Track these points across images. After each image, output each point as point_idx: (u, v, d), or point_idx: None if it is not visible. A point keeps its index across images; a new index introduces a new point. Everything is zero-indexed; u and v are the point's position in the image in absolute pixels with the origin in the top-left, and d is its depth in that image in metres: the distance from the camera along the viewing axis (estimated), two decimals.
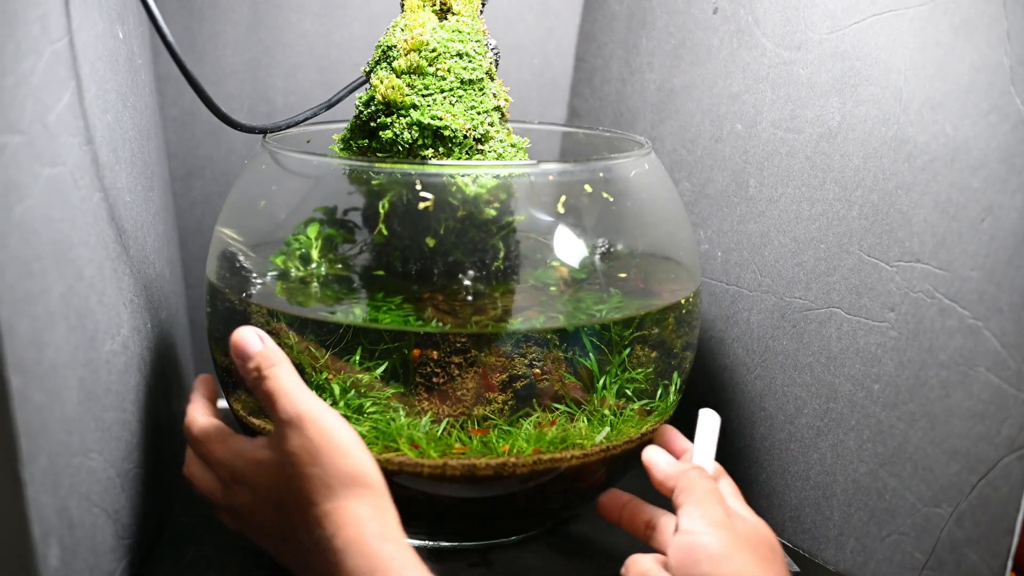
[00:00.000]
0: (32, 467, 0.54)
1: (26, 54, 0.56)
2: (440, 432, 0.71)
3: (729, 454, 0.88)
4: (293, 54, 1.07)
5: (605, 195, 0.77)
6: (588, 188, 0.76)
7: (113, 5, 0.78)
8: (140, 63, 0.89)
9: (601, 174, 0.78)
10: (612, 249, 0.79)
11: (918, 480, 0.72)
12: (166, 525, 0.81)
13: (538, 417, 0.72)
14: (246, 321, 0.75)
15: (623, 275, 0.80)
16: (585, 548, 0.81)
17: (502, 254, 0.75)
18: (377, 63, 0.78)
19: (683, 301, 0.79)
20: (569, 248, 0.77)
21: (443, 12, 0.78)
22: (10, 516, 0.53)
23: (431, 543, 0.80)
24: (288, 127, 0.83)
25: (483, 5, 0.80)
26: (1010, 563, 0.67)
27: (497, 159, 0.76)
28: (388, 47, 0.77)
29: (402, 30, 0.77)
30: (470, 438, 0.71)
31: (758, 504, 0.85)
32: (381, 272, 0.77)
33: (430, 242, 0.72)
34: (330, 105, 0.84)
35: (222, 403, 0.95)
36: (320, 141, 0.86)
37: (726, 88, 0.89)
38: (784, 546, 0.82)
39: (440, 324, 0.72)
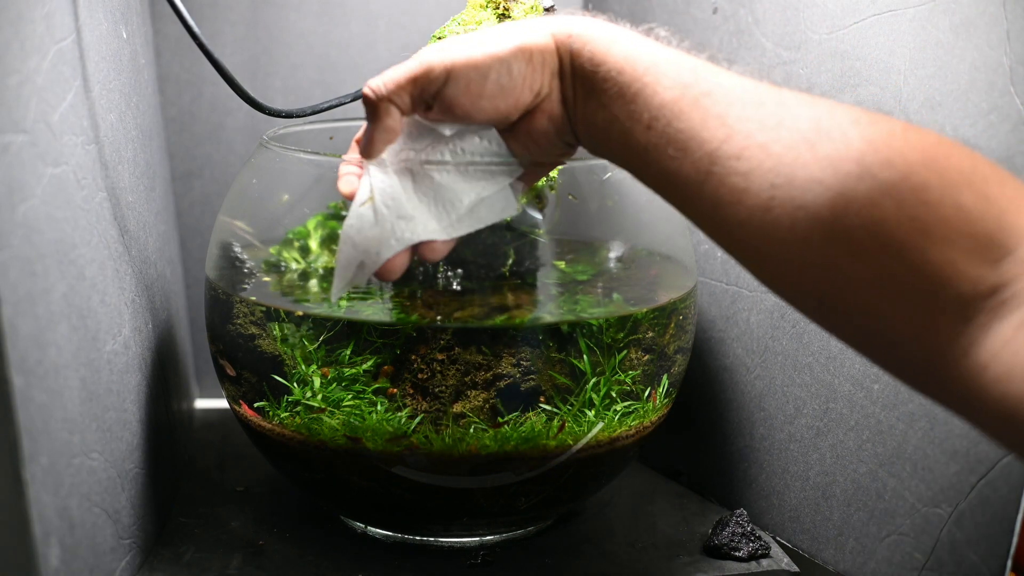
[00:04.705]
0: (33, 467, 0.54)
1: (31, 53, 0.56)
2: (412, 428, 0.71)
3: (729, 454, 0.88)
4: (292, 54, 1.07)
5: (571, 197, 0.77)
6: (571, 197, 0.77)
7: (117, 5, 0.78)
8: (143, 63, 0.89)
9: (603, 173, 0.78)
10: (623, 254, 0.80)
11: (918, 480, 0.72)
12: (166, 525, 0.81)
13: (517, 416, 0.72)
14: (242, 314, 0.75)
15: (622, 276, 0.80)
16: (584, 548, 0.81)
17: (507, 253, 0.76)
18: None
19: (679, 303, 0.79)
20: (564, 248, 0.78)
21: (503, 17, 0.78)
22: (11, 516, 0.53)
23: (431, 539, 0.80)
24: (312, 113, 0.83)
25: (553, 10, 0.80)
26: (1010, 563, 0.67)
27: None
28: (439, 37, 0.78)
29: (458, 24, 0.77)
30: (437, 434, 0.72)
31: (758, 504, 0.86)
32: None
33: None
34: (356, 96, 0.84)
35: (222, 403, 0.95)
36: (341, 137, 0.87)
37: None
38: (784, 546, 0.83)
39: (422, 319, 0.72)
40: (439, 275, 0.74)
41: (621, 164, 0.60)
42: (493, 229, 0.75)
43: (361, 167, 0.66)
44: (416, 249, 0.65)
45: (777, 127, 0.53)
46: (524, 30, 0.60)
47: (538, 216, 0.77)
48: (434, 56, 0.60)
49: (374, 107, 0.62)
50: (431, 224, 0.65)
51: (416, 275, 0.75)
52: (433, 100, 0.61)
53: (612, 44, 0.58)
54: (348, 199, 0.66)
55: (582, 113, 0.60)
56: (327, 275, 0.77)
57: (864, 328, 0.51)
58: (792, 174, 0.51)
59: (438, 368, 0.71)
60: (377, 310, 0.75)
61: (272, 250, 0.79)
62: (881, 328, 0.50)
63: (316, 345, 0.72)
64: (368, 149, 0.64)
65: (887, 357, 0.52)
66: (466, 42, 0.60)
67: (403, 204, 0.64)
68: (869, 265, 0.49)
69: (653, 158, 0.56)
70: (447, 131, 0.64)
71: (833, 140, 0.51)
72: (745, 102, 0.54)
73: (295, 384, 0.74)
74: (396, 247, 0.64)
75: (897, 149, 0.50)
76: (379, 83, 0.62)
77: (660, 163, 0.56)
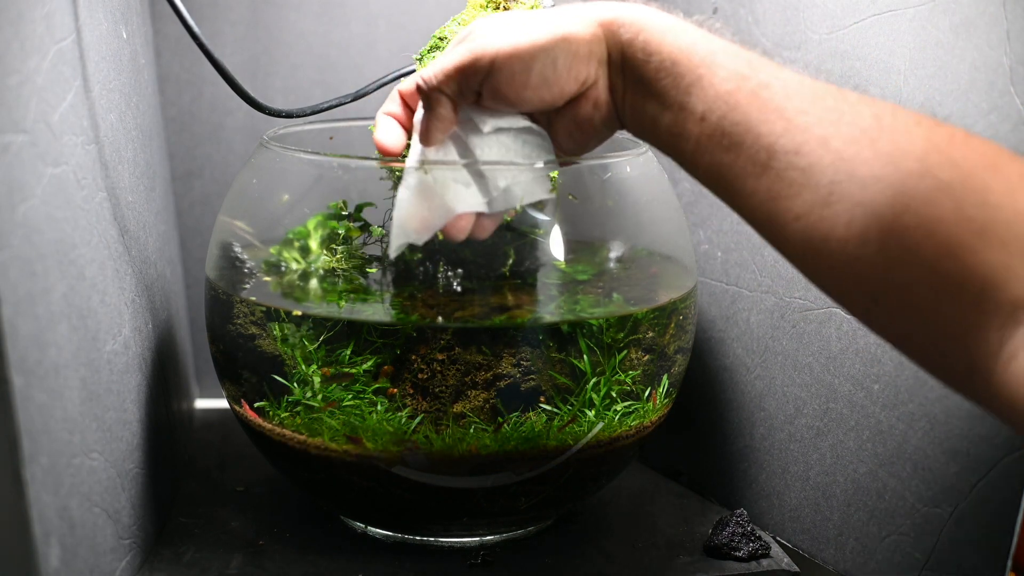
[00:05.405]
0: (33, 467, 0.54)
1: (31, 53, 0.56)
2: (412, 428, 0.71)
3: (729, 454, 0.88)
4: (292, 54, 1.07)
5: (571, 197, 0.77)
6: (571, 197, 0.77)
7: (117, 5, 0.78)
8: (143, 63, 0.89)
9: (598, 174, 0.78)
10: (623, 254, 0.80)
11: (918, 480, 0.72)
12: (166, 525, 0.81)
13: (517, 416, 0.72)
14: (242, 314, 0.75)
15: (622, 276, 0.80)
16: (584, 548, 0.81)
17: (507, 253, 0.76)
18: (429, 51, 0.78)
19: (679, 303, 0.79)
20: (564, 247, 0.78)
21: None
22: (11, 516, 0.53)
23: (431, 539, 0.80)
24: (312, 113, 0.83)
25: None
26: (1010, 563, 0.67)
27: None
28: (441, 37, 0.78)
29: (458, 24, 0.77)
30: (437, 434, 0.72)
31: (758, 504, 0.86)
32: (373, 270, 0.77)
33: (440, 234, 0.72)
34: (357, 96, 0.84)
35: (222, 403, 0.95)
36: (341, 137, 0.86)
37: None
38: (784, 546, 0.83)
39: (422, 319, 0.72)
40: (439, 275, 0.74)
41: (669, 154, 0.59)
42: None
43: (397, 118, 0.69)
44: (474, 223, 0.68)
45: (837, 122, 0.52)
46: (568, 18, 0.60)
47: (544, 217, 0.77)
48: (482, 44, 0.60)
49: (426, 97, 0.64)
50: (480, 198, 0.68)
51: (416, 275, 0.75)
52: (480, 88, 0.61)
53: (666, 33, 0.57)
54: (382, 151, 0.69)
55: (631, 101, 0.60)
56: (327, 275, 0.77)
57: (913, 328, 0.51)
58: (852, 170, 0.51)
59: (438, 368, 0.71)
60: (377, 310, 0.75)
61: (272, 250, 0.79)
62: (931, 328, 0.50)
63: (316, 345, 0.72)
64: (424, 137, 0.66)
65: (933, 359, 0.52)
66: (513, 29, 0.60)
67: (460, 171, 0.67)
68: (924, 264, 0.49)
69: (705, 149, 0.56)
70: (486, 128, 0.66)
71: (895, 137, 0.50)
72: (803, 96, 0.53)
73: (295, 384, 0.74)
74: (457, 210, 0.67)
75: (960, 151, 0.50)
76: (429, 73, 0.63)
77: (712, 155, 0.55)
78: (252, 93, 0.80)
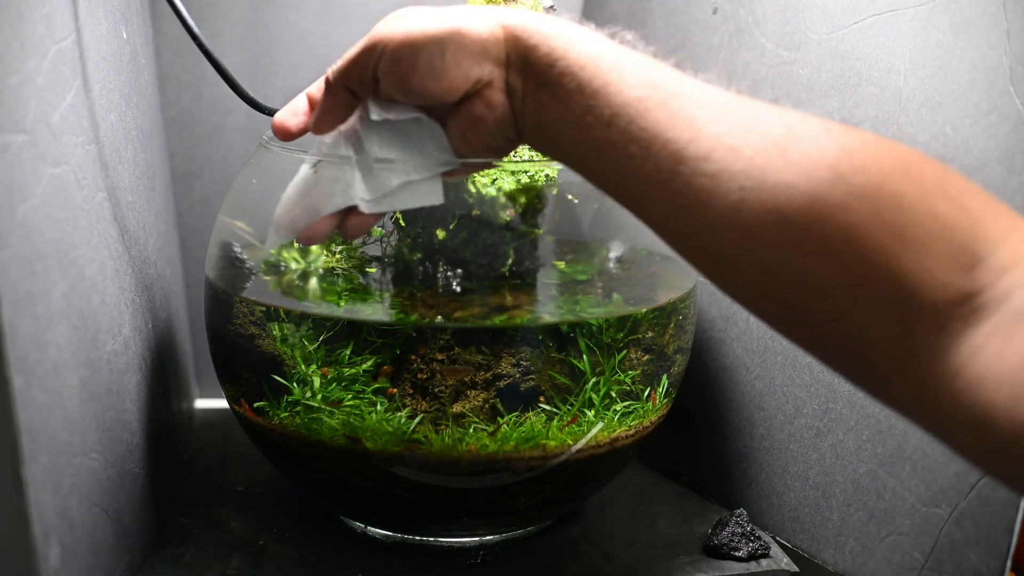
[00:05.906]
0: (33, 466, 0.54)
1: (31, 53, 0.56)
2: (412, 428, 0.71)
3: (729, 454, 0.88)
4: (293, 54, 1.07)
5: (571, 198, 0.77)
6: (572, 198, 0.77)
7: (117, 5, 0.78)
8: (143, 63, 0.89)
9: None
10: (623, 254, 0.80)
11: (917, 480, 0.72)
12: (166, 525, 0.81)
13: (517, 416, 0.72)
14: (242, 314, 0.75)
15: (622, 276, 0.80)
16: (583, 548, 0.81)
17: (506, 253, 0.76)
18: None
19: (679, 303, 0.79)
20: (565, 248, 0.78)
21: None
22: (11, 516, 0.53)
23: (431, 539, 0.80)
24: None
25: (553, 10, 0.79)
26: (1009, 563, 0.67)
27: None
28: None
29: None
30: (437, 434, 0.72)
31: (758, 504, 0.86)
32: (372, 270, 0.77)
33: (440, 234, 0.72)
34: None
35: (222, 403, 0.95)
36: None
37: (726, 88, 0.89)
38: (783, 546, 0.83)
39: (422, 319, 0.72)
40: (439, 275, 0.74)
41: (571, 162, 0.59)
42: (493, 229, 0.75)
43: (314, 103, 0.68)
44: (341, 223, 0.67)
45: (747, 131, 0.52)
46: (471, 16, 0.59)
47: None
48: (379, 32, 0.60)
49: (329, 88, 0.64)
50: (363, 195, 0.66)
51: (416, 275, 0.76)
52: (376, 75, 0.61)
53: (573, 41, 0.57)
54: (274, 128, 0.68)
55: (532, 107, 0.59)
56: (327, 275, 0.77)
57: (830, 334, 0.51)
58: (763, 177, 0.50)
59: (438, 368, 0.71)
60: (377, 310, 0.75)
61: (272, 250, 0.79)
62: (849, 334, 0.50)
63: (316, 345, 0.72)
64: (315, 126, 0.66)
65: (851, 364, 0.52)
66: (412, 19, 0.60)
67: (344, 170, 0.66)
68: (842, 270, 0.49)
69: (611, 156, 0.55)
70: (375, 115, 0.64)
71: (805, 146, 0.50)
72: (714, 106, 0.53)
73: (295, 384, 0.74)
74: (328, 210, 0.66)
75: (871, 156, 0.50)
76: (336, 65, 0.63)
77: (619, 162, 0.55)
78: (252, 93, 0.80)
